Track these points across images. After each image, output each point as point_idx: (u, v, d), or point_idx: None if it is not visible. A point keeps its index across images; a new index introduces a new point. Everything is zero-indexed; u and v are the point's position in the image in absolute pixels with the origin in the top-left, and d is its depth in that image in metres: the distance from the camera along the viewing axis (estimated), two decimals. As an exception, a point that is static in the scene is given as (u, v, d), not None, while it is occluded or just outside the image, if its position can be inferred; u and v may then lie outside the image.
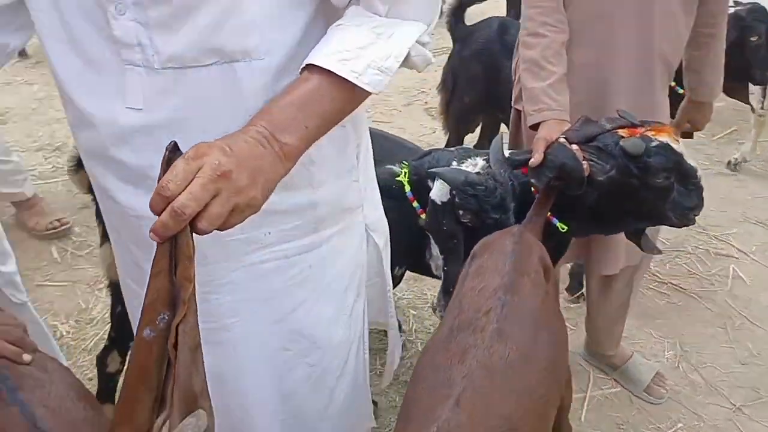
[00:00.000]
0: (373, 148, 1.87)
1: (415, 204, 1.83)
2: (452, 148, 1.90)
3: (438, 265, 1.82)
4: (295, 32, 1.02)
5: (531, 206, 1.68)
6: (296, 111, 0.96)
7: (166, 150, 0.86)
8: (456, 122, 3.10)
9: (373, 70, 0.99)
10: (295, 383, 1.29)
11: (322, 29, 1.03)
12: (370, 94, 1.02)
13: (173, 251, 0.84)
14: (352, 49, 0.98)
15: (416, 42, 1.05)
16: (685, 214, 1.67)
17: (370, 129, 1.97)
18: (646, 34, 1.82)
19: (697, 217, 1.69)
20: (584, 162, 1.60)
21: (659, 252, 1.91)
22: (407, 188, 1.83)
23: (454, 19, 3.01)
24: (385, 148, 2.05)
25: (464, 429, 1.13)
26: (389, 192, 1.86)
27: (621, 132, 1.63)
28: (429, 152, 1.89)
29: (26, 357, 1.32)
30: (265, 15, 0.99)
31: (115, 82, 1.01)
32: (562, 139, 1.64)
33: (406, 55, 1.04)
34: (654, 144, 1.59)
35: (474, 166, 1.70)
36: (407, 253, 1.91)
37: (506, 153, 1.72)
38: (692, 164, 1.64)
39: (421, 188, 1.81)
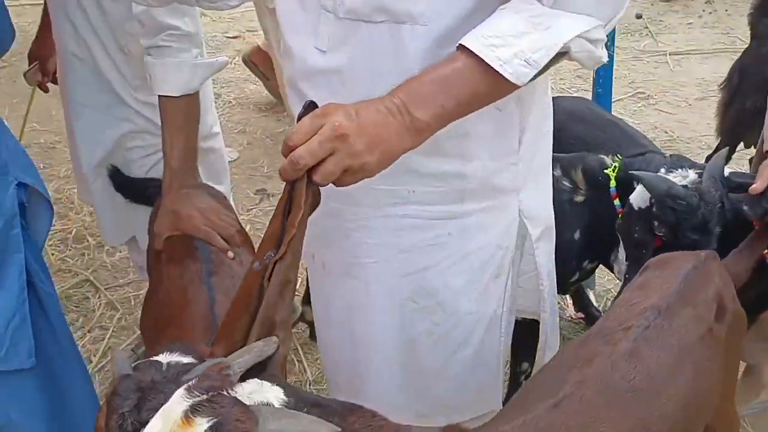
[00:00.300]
0: (597, 132, 1.80)
1: (616, 202, 1.73)
2: (667, 154, 1.74)
3: (621, 270, 1.71)
4: (464, 4, 1.04)
5: (740, 237, 1.50)
6: (436, 89, 0.99)
7: (303, 106, 0.97)
8: (730, 128, 2.78)
9: (520, 60, 0.97)
10: (417, 334, 1.34)
11: (494, 4, 1.04)
12: (516, 86, 1.00)
13: (290, 197, 0.95)
14: (503, 36, 0.97)
15: (584, 38, 1.00)
16: None
17: (605, 114, 1.89)
18: None
19: None
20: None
21: None
22: (612, 183, 1.73)
23: (758, 13, 2.66)
24: (612, 136, 1.95)
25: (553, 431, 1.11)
26: (594, 181, 1.80)
27: None
28: (645, 152, 1.75)
29: (230, 254, 1.58)
30: None
31: (312, 23, 1.15)
32: (788, 168, 1.41)
33: (568, 50, 1.00)
34: None
35: (683, 178, 1.54)
36: (596, 247, 1.82)
37: (727, 172, 1.53)
38: None
39: (626, 187, 1.70)
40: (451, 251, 1.28)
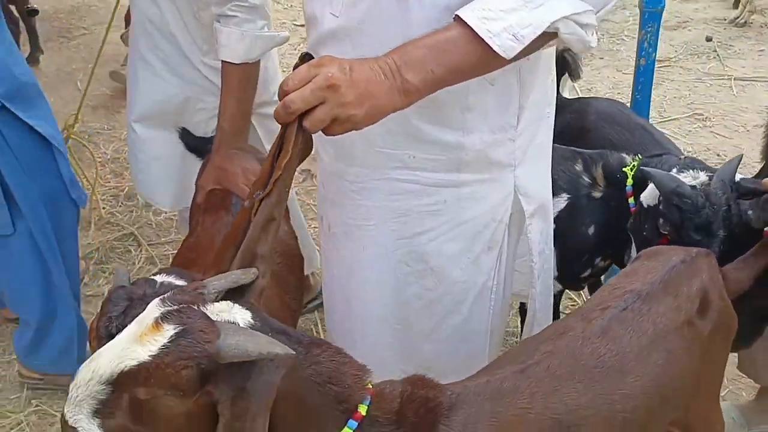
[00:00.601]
0: (626, 135, 1.83)
1: (631, 200, 1.74)
2: (682, 156, 1.74)
3: (629, 267, 1.73)
4: None
5: (749, 245, 1.50)
6: (428, 54, 1.04)
7: (299, 57, 1.05)
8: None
9: (508, 34, 1.02)
10: (408, 297, 1.41)
11: None
12: (504, 60, 1.05)
13: (281, 141, 1.03)
14: (496, 10, 1.02)
15: (573, 21, 1.05)
16: None
17: (636, 118, 1.91)
18: None
19: None
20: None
21: None
22: (629, 182, 1.75)
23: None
24: (640, 139, 1.97)
25: (517, 396, 1.15)
26: (612, 178, 1.82)
27: None
28: (663, 154, 1.76)
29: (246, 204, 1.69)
30: None
31: None
32: (801, 178, 1.41)
33: (557, 30, 1.04)
34: None
35: (693, 178, 1.55)
36: (610, 244, 1.84)
37: (738, 177, 1.53)
38: None
39: (642, 186, 1.72)
40: (445, 219, 1.34)
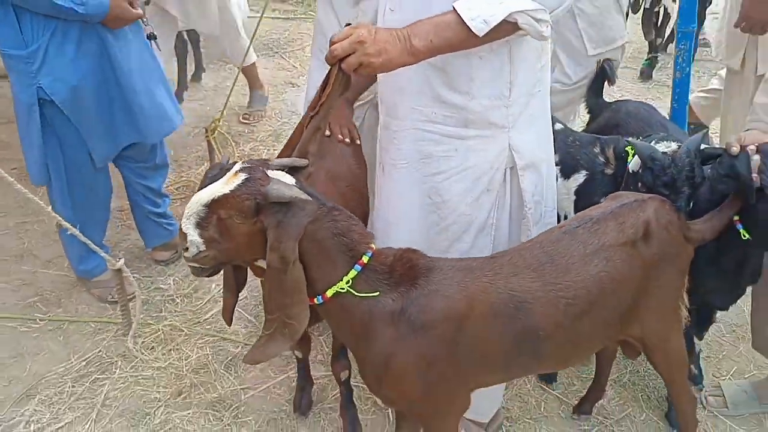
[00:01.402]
0: (646, 129, 2.22)
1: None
2: (669, 134, 2.10)
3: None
4: None
5: (709, 201, 1.86)
6: (430, 29, 1.55)
7: (344, 25, 1.59)
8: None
9: (481, 19, 1.51)
10: (429, 223, 1.90)
11: None
12: (478, 38, 1.53)
13: (327, 78, 1.58)
14: (476, 5, 1.52)
15: (529, 15, 1.51)
16: None
17: (658, 116, 2.32)
18: None
19: None
20: (757, 175, 1.71)
21: None
22: (629, 158, 2.13)
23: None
24: (654, 129, 2.33)
25: (484, 273, 1.61)
26: (621, 158, 2.21)
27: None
28: (661, 135, 2.12)
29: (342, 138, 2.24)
30: None
31: None
32: (751, 147, 1.75)
33: (516, 21, 1.52)
34: None
35: (667, 147, 1.92)
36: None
37: (703, 146, 1.89)
38: None
39: (639, 163, 2.10)
40: (455, 163, 1.83)
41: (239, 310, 2.99)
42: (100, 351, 2.77)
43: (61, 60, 2.50)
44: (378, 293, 1.52)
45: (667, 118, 2.62)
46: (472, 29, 1.54)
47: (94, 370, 2.68)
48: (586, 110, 2.80)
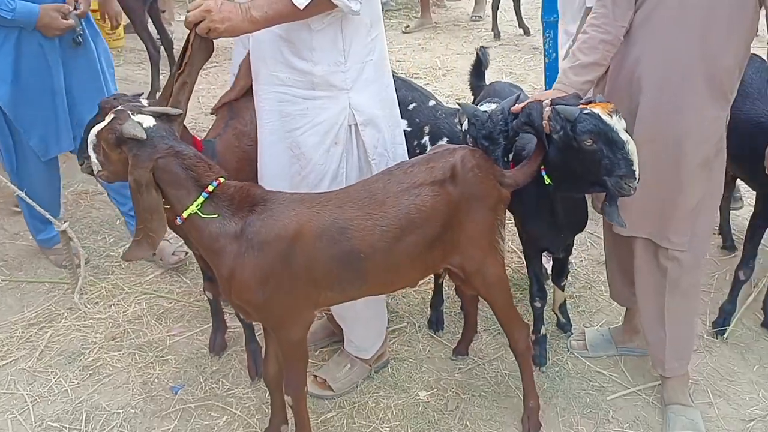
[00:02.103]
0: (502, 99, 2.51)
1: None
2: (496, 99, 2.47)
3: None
4: None
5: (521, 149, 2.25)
6: (264, 3, 1.95)
7: None
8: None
9: None
10: (292, 172, 2.28)
11: None
12: (301, 11, 1.91)
13: (188, 40, 2.00)
14: None
15: None
16: (618, 182, 1.97)
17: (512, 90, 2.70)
18: (685, 36, 2.06)
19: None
20: (546, 122, 2.08)
21: (622, 225, 2.14)
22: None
23: None
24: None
25: (313, 205, 1.99)
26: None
27: (589, 106, 2.03)
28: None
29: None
30: None
31: None
32: (545, 101, 2.12)
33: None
34: (585, 112, 1.97)
35: (488, 107, 2.30)
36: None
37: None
38: (622, 137, 1.93)
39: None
40: (307, 120, 2.21)
41: (177, 273, 3.39)
42: (50, 305, 3.18)
43: (3, 61, 2.85)
44: (217, 215, 1.91)
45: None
46: (295, 3, 1.93)
47: (43, 320, 3.09)
48: (470, 91, 3.18)
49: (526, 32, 6.69)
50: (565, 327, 2.93)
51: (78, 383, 2.74)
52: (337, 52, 2.14)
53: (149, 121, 1.89)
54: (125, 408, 2.62)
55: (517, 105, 2.20)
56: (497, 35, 6.73)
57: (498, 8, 6.70)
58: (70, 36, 2.95)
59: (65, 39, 2.96)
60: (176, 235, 2.81)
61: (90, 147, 1.91)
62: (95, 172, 1.96)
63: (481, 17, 7.36)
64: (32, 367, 2.83)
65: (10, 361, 2.86)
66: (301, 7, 1.93)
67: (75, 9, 2.92)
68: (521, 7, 6.76)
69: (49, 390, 2.71)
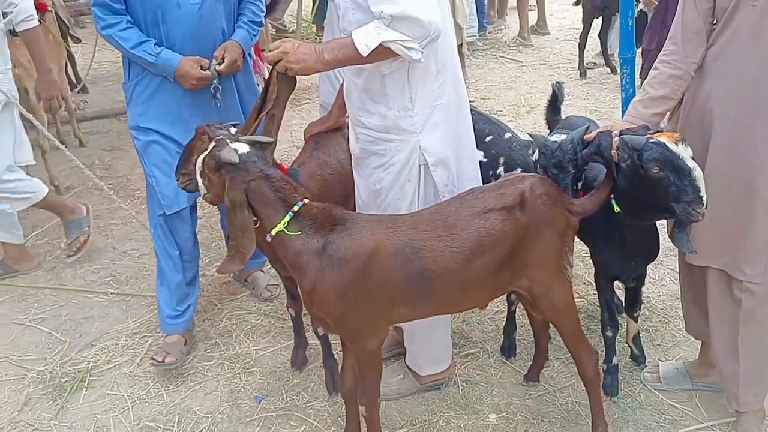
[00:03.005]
0: None
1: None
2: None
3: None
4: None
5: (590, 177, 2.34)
6: (335, 47, 2.16)
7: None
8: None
9: (365, 44, 2.08)
10: (375, 204, 2.47)
11: None
12: (363, 57, 2.09)
13: (270, 77, 2.23)
14: (363, 32, 2.09)
15: (399, 44, 2.07)
16: (685, 208, 2.03)
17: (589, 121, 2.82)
18: (757, 70, 2.10)
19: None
20: (615, 151, 2.17)
21: (690, 251, 2.16)
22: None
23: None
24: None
25: (389, 226, 2.15)
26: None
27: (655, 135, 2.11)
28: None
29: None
30: None
31: None
32: (614, 132, 2.21)
33: (390, 48, 2.08)
34: (652, 141, 2.04)
35: (558, 137, 2.39)
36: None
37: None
38: (689, 164, 1.99)
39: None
40: (386, 160, 2.40)
41: (253, 301, 3.63)
42: (151, 317, 3.48)
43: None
44: (301, 232, 2.10)
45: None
46: (359, 49, 2.11)
47: (144, 330, 3.39)
48: (546, 125, 3.28)
49: (613, 71, 6.69)
50: (638, 359, 2.94)
51: (172, 388, 2.99)
52: (405, 98, 2.31)
53: (244, 148, 2.12)
54: (213, 413, 2.84)
55: (587, 135, 2.30)
56: (583, 73, 6.77)
57: (585, 47, 6.76)
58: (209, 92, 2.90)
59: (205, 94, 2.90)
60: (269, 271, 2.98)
61: (197, 173, 2.15)
62: (202, 196, 2.18)
63: (525, 38, 7.87)
64: (133, 371, 3.10)
65: (115, 366, 3.15)
66: (365, 54, 2.11)
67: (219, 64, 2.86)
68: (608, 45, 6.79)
69: (147, 393, 2.97)
